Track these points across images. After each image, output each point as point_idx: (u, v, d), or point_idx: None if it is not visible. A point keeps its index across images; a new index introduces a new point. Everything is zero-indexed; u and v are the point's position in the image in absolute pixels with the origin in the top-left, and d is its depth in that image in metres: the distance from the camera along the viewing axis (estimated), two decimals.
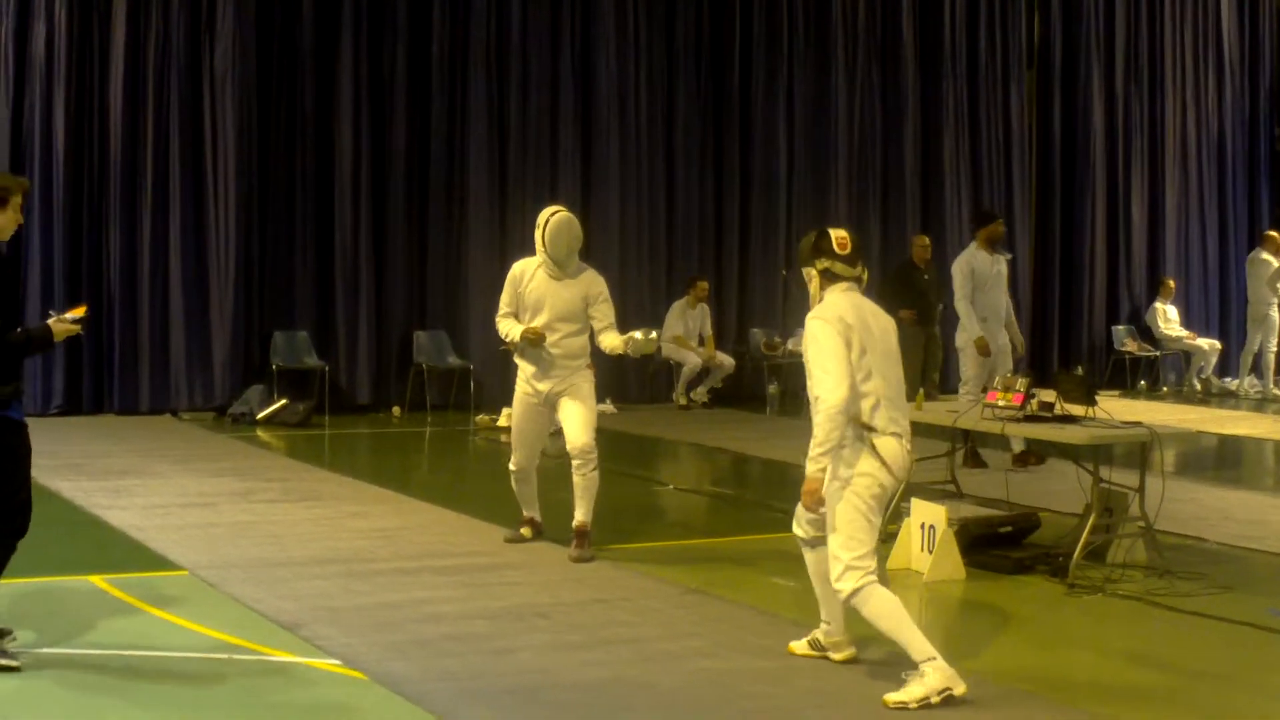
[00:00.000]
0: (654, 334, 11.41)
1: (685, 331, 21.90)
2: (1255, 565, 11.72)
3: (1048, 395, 11.39)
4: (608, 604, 9.87)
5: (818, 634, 8.51)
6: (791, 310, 24.02)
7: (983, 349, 15.39)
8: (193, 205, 19.91)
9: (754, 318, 23.81)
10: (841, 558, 7.78)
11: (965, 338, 15.59)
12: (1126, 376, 26.15)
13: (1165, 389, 26.13)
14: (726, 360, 22.30)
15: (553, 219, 11.12)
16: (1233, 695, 8.23)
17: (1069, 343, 26.42)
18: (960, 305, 15.57)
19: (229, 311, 19.99)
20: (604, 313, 11.23)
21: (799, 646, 8.57)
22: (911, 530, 11.02)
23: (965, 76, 25.64)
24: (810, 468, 7.76)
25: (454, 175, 21.53)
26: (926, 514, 10.89)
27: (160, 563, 10.86)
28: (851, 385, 7.73)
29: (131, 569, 10.63)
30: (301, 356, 20.41)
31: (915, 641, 7.63)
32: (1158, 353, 26.36)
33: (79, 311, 8.31)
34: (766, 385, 22.75)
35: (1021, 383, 11.41)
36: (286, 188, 20.53)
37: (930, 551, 10.74)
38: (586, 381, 11.24)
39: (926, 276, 17.71)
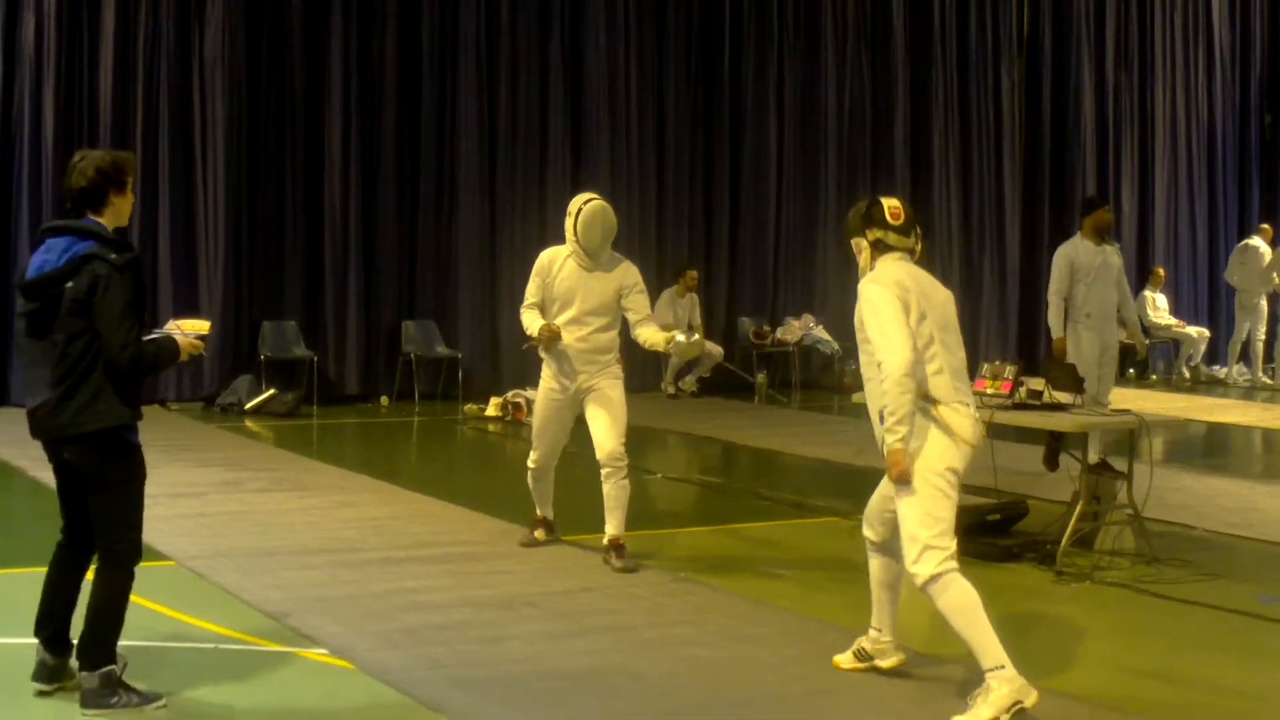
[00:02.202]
0: (697, 337, 10.94)
1: (674, 320, 21.88)
2: (1243, 552, 11.75)
3: (1036, 383, 11.38)
4: (596, 593, 9.86)
5: (864, 642, 8.05)
6: (781, 299, 24.07)
7: (1061, 352, 14.03)
8: (182, 194, 19.91)
9: (743, 307, 23.83)
10: (919, 536, 7.22)
11: (1074, 344, 14.11)
12: (1116, 364, 26.14)
13: (1154, 377, 26.20)
14: (715, 349, 22.29)
15: (586, 207, 10.48)
16: (1223, 681, 8.23)
17: None
18: (1050, 299, 14.35)
19: (217, 301, 19.97)
20: (640, 304, 10.63)
21: (844, 660, 8.08)
22: None
23: (955, 64, 25.70)
24: (889, 439, 7.18)
25: (443, 165, 21.53)
26: None
27: (148, 552, 10.73)
28: (914, 348, 7.25)
29: None
30: (290, 346, 20.41)
31: (987, 645, 7.10)
32: (1147, 340, 26.36)
33: (202, 327, 7.77)
34: (755, 374, 22.77)
35: (1010, 370, 11.40)
36: (275, 177, 20.53)
37: None
38: (616, 380, 10.67)
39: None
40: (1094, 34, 27.15)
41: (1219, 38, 28.68)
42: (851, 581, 10.17)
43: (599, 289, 10.55)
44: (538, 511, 11.25)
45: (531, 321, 10.63)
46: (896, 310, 7.32)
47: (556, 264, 10.63)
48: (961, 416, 7.38)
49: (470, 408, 19.84)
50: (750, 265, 24.00)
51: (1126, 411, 11.38)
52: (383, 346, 21.22)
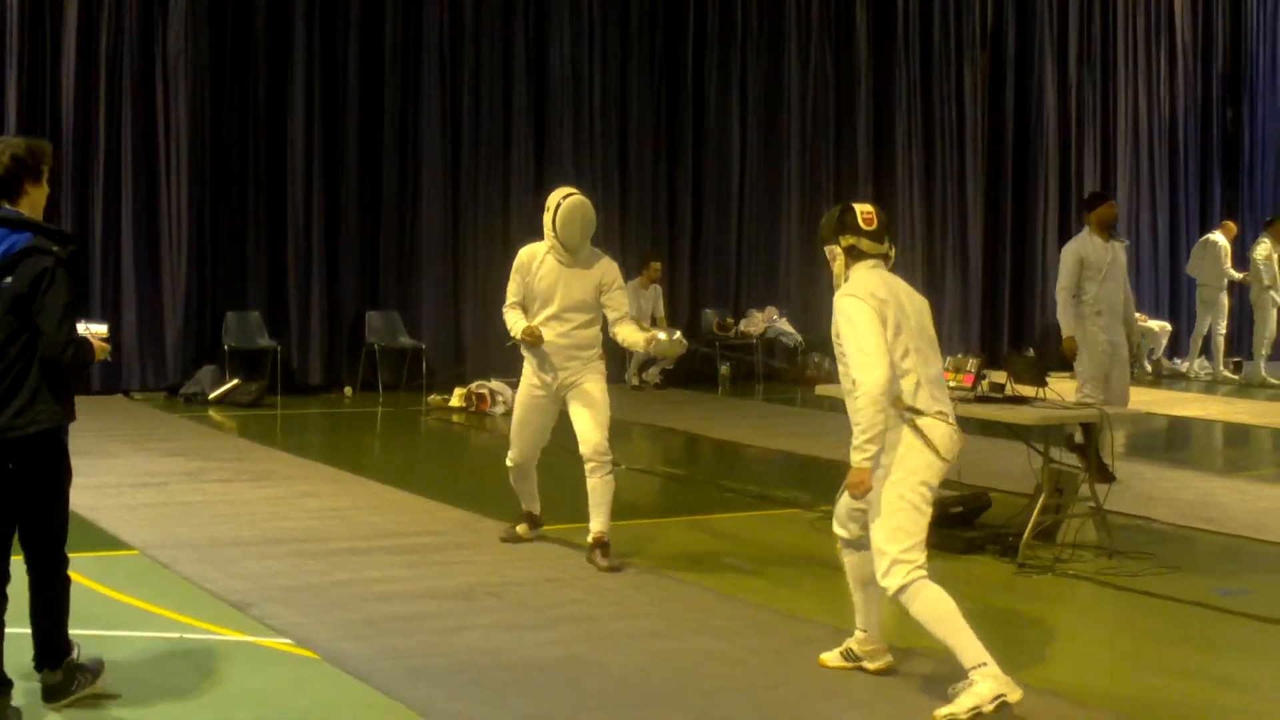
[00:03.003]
0: (678, 335, 10.66)
1: (638, 312, 21.88)
2: (1203, 545, 11.80)
3: (999, 376, 11.42)
4: (559, 583, 9.86)
5: (852, 643, 7.94)
6: (744, 292, 24.11)
7: (1071, 352, 13.85)
8: (145, 186, 19.84)
9: (706, 299, 23.86)
10: (888, 551, 7.20)
11: (1086, 344, 13.82)
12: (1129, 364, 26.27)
13: None
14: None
15: (565, 202, 10.26)
16: (1182, 672, 8.28)
17: (1020, 324, 26.57)
18: (1059, 296, 13.97)
19: (181, 292, 19.92)
20: (619, 301, 10.47)
21: (830, 659, 7.97)
22: None
23: (918, 60, 25.74)
24: (855, 457, 7.12)
25: (406, 157, 21.50)
26: None
27: (111, 542, 10.83)
28: (890, 364, 7.18)
29: (82, 548, 10.47)
30: (253, 337, 20.36)
31: (967, 645, 7.07)
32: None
33: (101, 331, 7.37)
34: (718, 366, 22.81)
35: (973, 364, 11.43)
36: (239, 168, 20.47)
37: None
38: (599, 375, 10.48)
39: None
40: (1057, 31, 27.23)
41: (1181, 34, 28.80)
42: (815, 574, 10.23)
43: (579, 285, 10.38)
44: (524, 506, 11.05)
45: (514, 323, 10.43)
46: (873, 325, 7.24)
47: (536, 261, 10.41)
48: (941, 429, 7.33)
49: (434, 398, 19.84)
50: (713, 258, 24.02)
51: (1088, 405, 11.42)
52: (346, 337, 21.18)
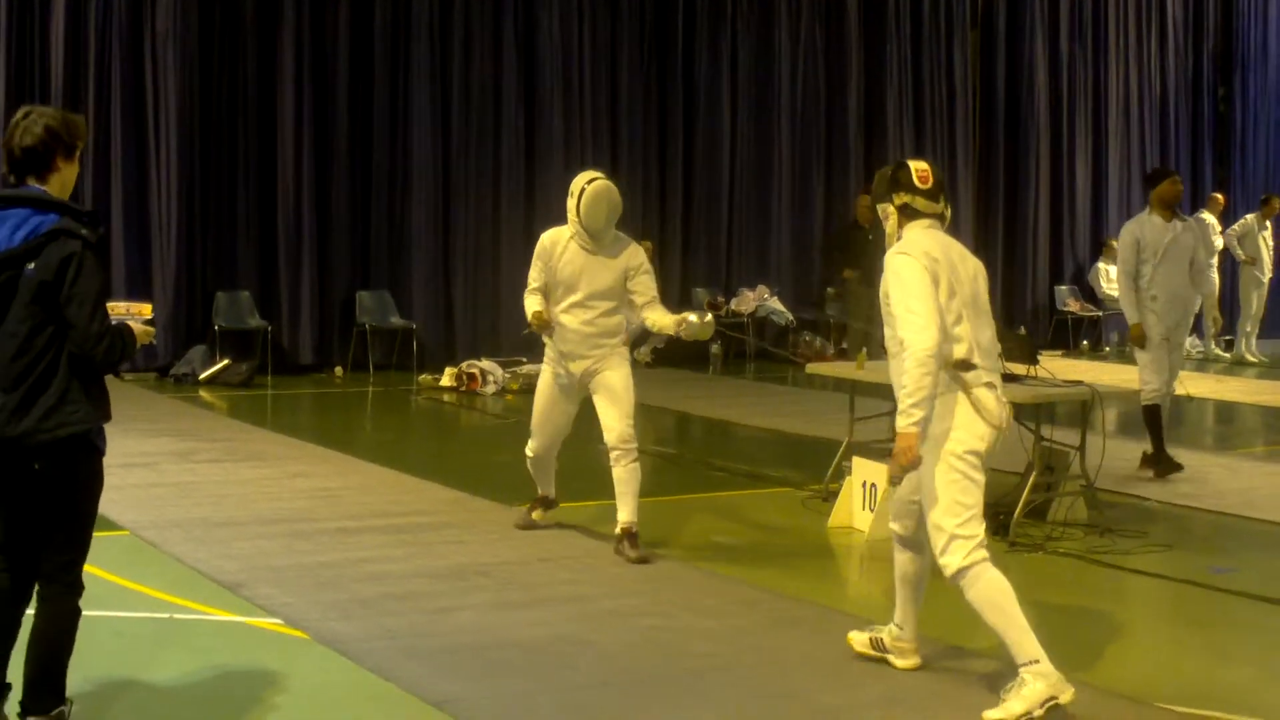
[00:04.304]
0: (709, 317, 10.39)
1: None
2: (1195, 523, 11.81)
3: None
4: (550, 563, 9.86)
5: (883, 634, 7.65)
6: (735, 271, 24.10)
7: (1138, 339, 13.34)
8: (135, 166, 19.81)
9: (697, 278, 23.84)
10: (944, 526, 6.86)
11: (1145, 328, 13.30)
12: (1069, 336, 26.34)
13: (1107, 349, 26.33)
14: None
15: (590, 186, 9.95)
16: (1176, 650, 8.29)
17: (1012, 302, 26.54)
18: (1119, 281, 13.49)
19: (171, 272, 19.87)
20: (646, 286, 10.17)
21: (858, 640, 7.72)
22: (853, 488, 11.03)
23: (909, 36, 25.70)
24: (901, 422, 6.72)
25: (397, 135, 21.46)
26: (868, 472, 10.88)
27: (102, 522, 10.64)
28: (941, 327, 6.81)
29: None
30: (244, 317, 20.34)
31: (1021, 639, 6.77)
32: (1100, 313, 26.55)
33: (146, 310, 6.47)
34: (709, 345, 22.78)
35: None
36: (229, 148, 20.43)
37: (872, 510, 10.74)
38: (623, 363, 10.21)
39: (870, 236, 17.65)
40: (1047, 8, 27.20)
41: (1172, 11, 28.78)
42: (805, 553, 10.24)
43: (604, 272, 10.10)
44: (539, 490, 10.88)
45: (529, 307, 10.16)
46: (925, 285, 6.89)
47: (559, 247, 10.13)
48: (990, 398, 7.00)
49: (425, 378, 19.85)
50: (704, 237, 24.00)
51: (1079, 383, 11.41)
52: (337, 317, 21.16)
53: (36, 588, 6.26)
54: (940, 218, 7.34)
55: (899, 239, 7.24)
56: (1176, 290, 13.26)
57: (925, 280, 6.90)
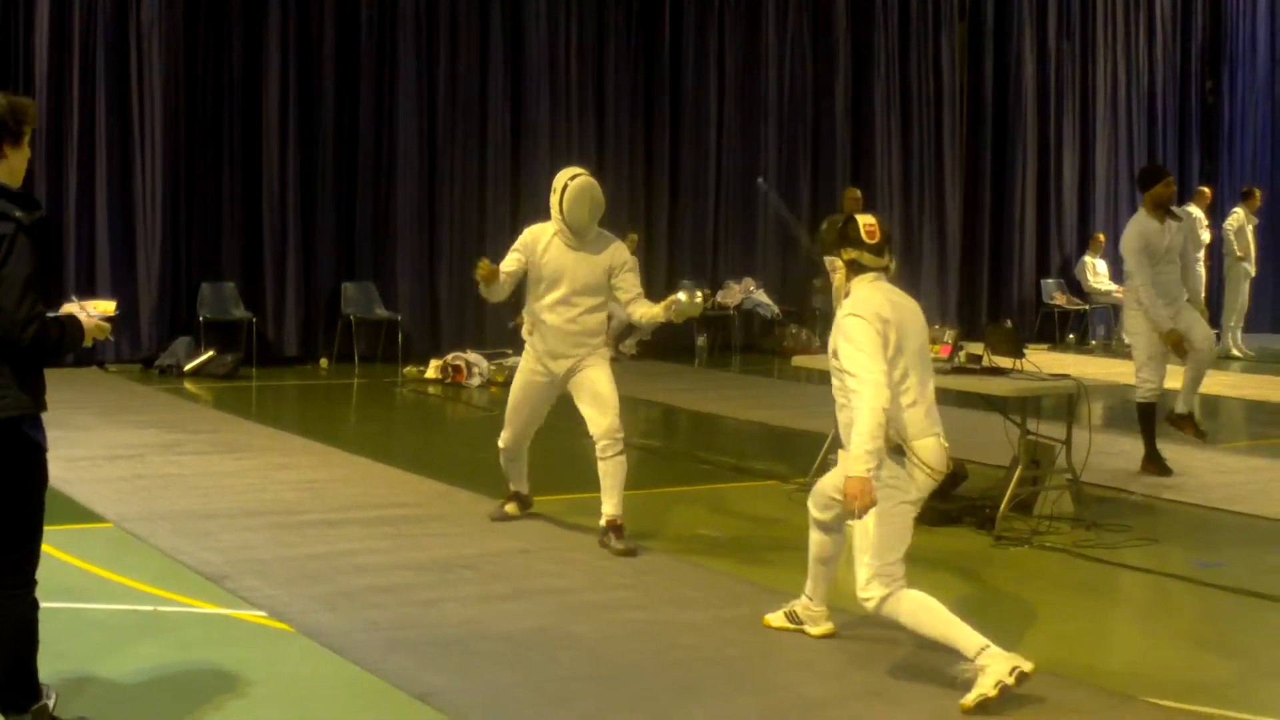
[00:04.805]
0: (699, 295, 10.38)
1: None
2: (1180, 517, 11.82)
3: (976, 348, 11.41)
4: (534, 555, 9.85)
5: (796, 606, 8.11)
6: (720, 263, 24.09)
7: (1176, 345, 12.99)
8: (119, 157, 19.75)
9: (683, 270, 23.81)
10: (871, 565, 7.16)
11: (1144, 325, 13.04)
12: (1055, 330, 26.36)
13: (1094, 342, 26.37)
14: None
15: (573, 183, 9.98)
16: (1162, 644, 8.28)
17: (998, 296, 26.59)
18: (1141, 291, 12.87)
19: (155, 263, 19.84)
20: (630, 282, 10.18)
21: (774, 619, 8.15)
22: None
23: (897, 29, 25.69)
24: (857, 468, 6.87)
25: (382, 126, 21.42)
26: None
27: (86, 515, 10.78)
28: (890, 386, 7.06)
29: (57, 521, 10.41)
30: (229, 308, 20.31)
31: (963, 637, 7.01)
32: (1087, 306, 26.58)
33: (108, 308, 6.34)
34: (695, 337, 22.78)
35: (949, 335, 11.43)
36: (213, 139, 20.37)
37: None
38: (603, 361, 10.24)
39: None
40: (1035, 1, 27.20)
41: (1160, 4, 28.81)
42: (789, 546, 10.20)
43: (588, 269, 10.08)
44: (510, 486, 10.88)
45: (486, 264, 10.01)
46: (876, 348, 7.11)
47: (542, 243, 10.09)
48: (934, 447, 7.29)
49: (409, 370, 19.84)
50: (690, 229, 23.98)
51: (1065, 376, 11.40)
52: (322, 308, 21.12)
53: None
54: (885, 270, 7.54)
55: (847, 294, 7.45)
56: (1170, 288, 13.12)
57: (876, 343, 7.15)
